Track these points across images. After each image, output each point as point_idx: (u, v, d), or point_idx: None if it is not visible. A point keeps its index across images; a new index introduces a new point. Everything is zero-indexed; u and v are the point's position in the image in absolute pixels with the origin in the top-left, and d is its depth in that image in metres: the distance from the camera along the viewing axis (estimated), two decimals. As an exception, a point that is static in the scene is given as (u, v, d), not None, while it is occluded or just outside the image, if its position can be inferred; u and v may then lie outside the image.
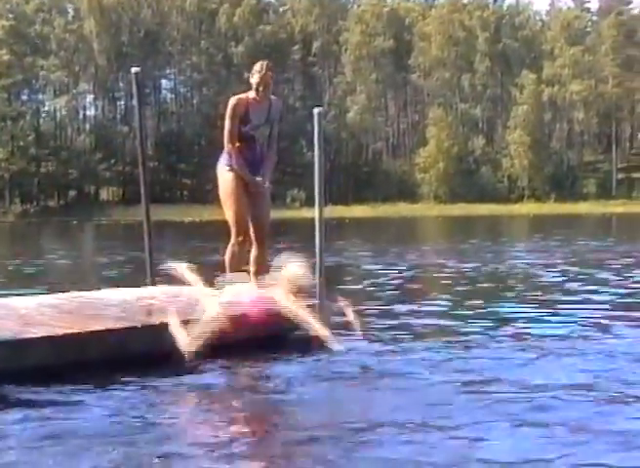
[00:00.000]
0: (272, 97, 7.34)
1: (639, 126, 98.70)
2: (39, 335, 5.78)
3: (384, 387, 5.25)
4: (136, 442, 4.06)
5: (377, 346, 6.75)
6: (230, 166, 7.11)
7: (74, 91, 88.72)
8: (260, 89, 7.03)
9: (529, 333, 7.33)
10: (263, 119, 7.11)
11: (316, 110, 7.26)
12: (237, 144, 7.09)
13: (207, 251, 20.46)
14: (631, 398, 4.89)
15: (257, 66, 7.10)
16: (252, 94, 7.09)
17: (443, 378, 5.41)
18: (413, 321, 8.37)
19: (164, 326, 6.43)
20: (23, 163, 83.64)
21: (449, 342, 6.93)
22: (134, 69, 8.60)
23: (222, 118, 7.20)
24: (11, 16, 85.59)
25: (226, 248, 7.21)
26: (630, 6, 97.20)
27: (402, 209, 76.35)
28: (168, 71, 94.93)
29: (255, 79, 7.04)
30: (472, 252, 20.36)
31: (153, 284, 8.76)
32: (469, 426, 4.27)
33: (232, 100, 7.13)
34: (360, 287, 12.16)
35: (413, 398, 4.95)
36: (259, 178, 7.08)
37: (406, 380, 5.38)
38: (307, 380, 5.50)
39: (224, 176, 7.17)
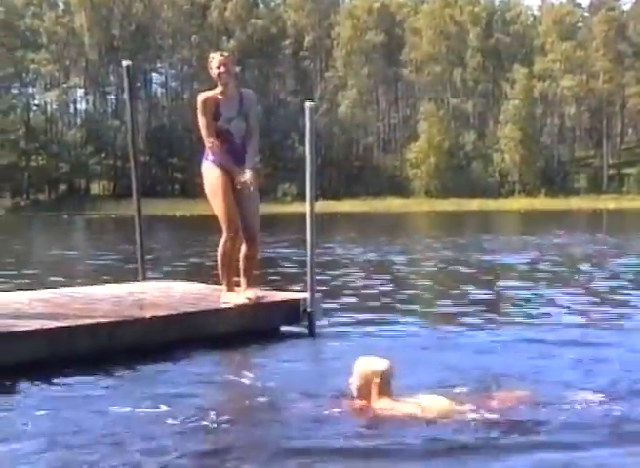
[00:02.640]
0: (243, 89, 7.33)
1: (630, 121, 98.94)
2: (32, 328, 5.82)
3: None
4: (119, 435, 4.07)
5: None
6: (214, 162, 7.09)
7: (65, 84, 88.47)
8: (221, 80, 7.01)
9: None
10: (235, 112, 7.07)
11: (308, 105, 7.25)
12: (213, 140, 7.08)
13: (197, 245, 20.44)
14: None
15: (211, 60, 7.08)
16: (218, 88, 7.08)
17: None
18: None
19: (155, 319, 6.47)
20: (14, 156, 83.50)
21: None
22: (125, 63, 8.59)
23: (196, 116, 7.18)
24: (1, 8, 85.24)
25: (218, 243, 7.20)
26: (621, 1, 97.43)
27: (393, 204, 76.36)
28: (159, 65, 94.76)
29: (213, 72, 7.02)
30: (466, 245, 20.37)
31: (144, 278, 8.76)
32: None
33: (200, 97, 7.11)
34: (350, 278, 12.19)
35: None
36: (246, 170, 7.04)
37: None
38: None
39: (210, 174, 7.14)
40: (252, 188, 7.08)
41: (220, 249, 7.15)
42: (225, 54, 7.13)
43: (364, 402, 4.58)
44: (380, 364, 4.61)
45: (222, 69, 6.97)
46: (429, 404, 4.47)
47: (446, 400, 4.52)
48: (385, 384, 4.56)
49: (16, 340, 5.70)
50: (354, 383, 4.65)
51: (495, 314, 8.62)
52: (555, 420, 4.28)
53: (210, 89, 7.18)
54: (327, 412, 4.52)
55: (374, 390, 4.57)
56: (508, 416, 4.37)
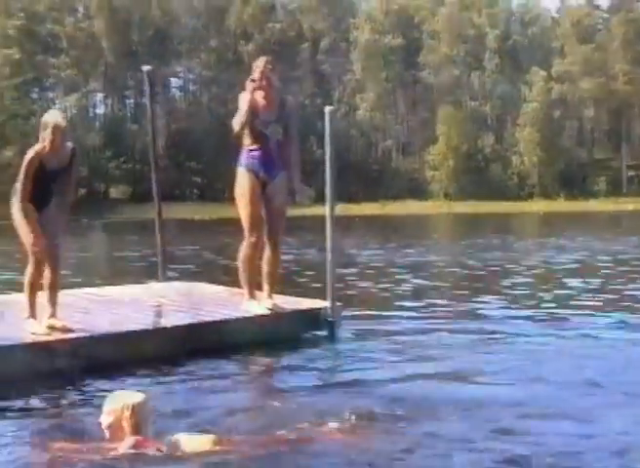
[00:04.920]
0: (286, 96, 7.35)
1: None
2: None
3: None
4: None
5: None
6: (246, 167, 7.09)
7: (84, 89, 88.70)
8: (262, 82, 7.03)
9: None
10: (274, 116, 7.09)
11: (327, 109, 7.28)
12: (250, 142, 7.08)
13: (216, 247, 20.48)
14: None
15: (257, 61, 7.13)
16: (259, 92, 7.09)
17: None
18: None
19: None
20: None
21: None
22: (145, 68, 8.65)
23: (232, 116, 7.18)
24: (22, 15, 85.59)
25: (240, 247, 7.19)
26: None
27: (412, 207, 76.18)
28: (178, 69, 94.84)
29: (256, 74, 7.04)
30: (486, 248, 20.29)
31: (165, 280, 8.81)
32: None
33: (244, 94, 7.12)
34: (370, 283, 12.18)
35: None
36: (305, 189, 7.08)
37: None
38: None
39: (241, 179, 7.16)
40: (282, 196, 7.13)
41: (241, 253, 7.16)
42: (269, 60, 7.16)
43: (113, 444, 3.98)
44: (134, 397, 4.10)
45: (264, 75, 7.00)
46: (184, 443, 3.96)
47: (207, 440, 4.01)
48: (139, 421, 4.00)
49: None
50: (104, 421, 4.08)
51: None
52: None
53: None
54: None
55: (126, 426, 4.00)
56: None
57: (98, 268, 16.90)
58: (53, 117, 6.74)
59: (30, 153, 6.63)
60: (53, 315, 6.59)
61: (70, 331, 6.36)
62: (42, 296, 6.51)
